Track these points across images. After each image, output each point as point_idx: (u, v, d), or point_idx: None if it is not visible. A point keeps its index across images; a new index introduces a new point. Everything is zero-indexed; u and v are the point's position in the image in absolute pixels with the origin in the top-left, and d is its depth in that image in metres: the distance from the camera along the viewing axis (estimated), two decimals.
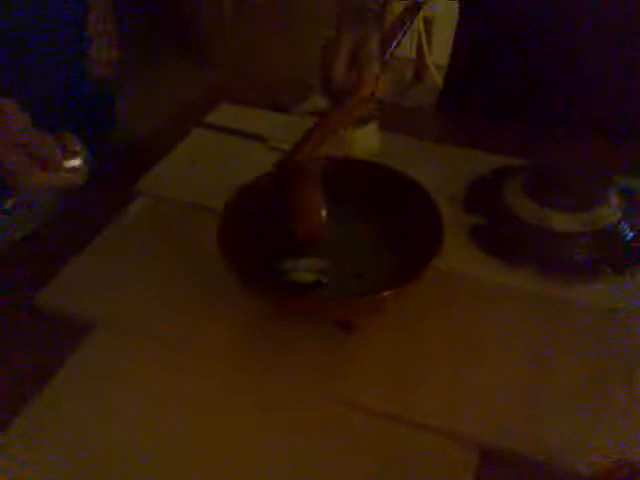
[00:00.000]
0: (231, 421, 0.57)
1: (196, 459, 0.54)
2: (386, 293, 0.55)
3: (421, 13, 2.05)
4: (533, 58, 0.88)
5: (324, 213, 0.62)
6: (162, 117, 0.98)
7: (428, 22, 2.35)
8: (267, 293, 0.60)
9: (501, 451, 0.53)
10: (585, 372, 0.59)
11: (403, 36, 0.76)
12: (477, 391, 0.58)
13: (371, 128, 0.84)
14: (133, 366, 0.62)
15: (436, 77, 2.30)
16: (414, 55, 2.45)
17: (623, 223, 0.69)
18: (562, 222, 0.68)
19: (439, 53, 2.28)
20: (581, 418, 0.56)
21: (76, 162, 0.59)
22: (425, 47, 2.40)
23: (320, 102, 0.98)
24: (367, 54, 0.64)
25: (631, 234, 0.69)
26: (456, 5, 0.99)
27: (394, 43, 0.72)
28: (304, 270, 0.62)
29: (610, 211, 0.68)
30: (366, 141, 0.84)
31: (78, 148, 0.59)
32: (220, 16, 2.35)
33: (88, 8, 0.85)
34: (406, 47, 2.41)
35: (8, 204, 0.74)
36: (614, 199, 0.70)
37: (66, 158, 0.58)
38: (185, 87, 1.17)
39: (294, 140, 0.87)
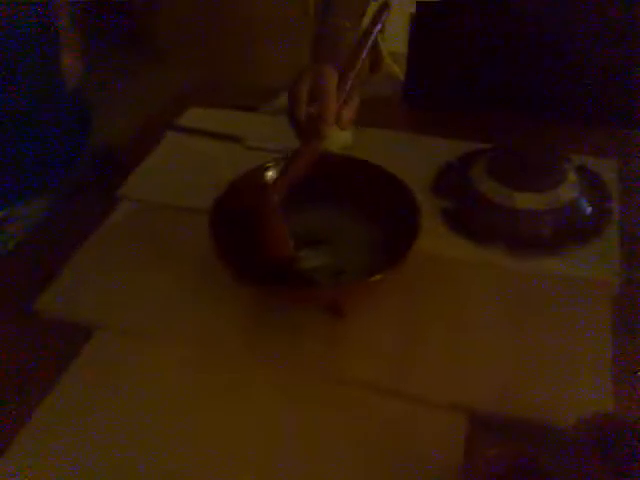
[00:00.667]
0: (237, 407, 0.60)
1: (212, 444, 0.57)
2: (373, 278, 0.59)
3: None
4: (492, 47, 0.93)
5: (291, 244, 0.65)
6: (136, 124, 1.00)
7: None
8: (261, 285, 0.64)
9: (489, 415, 0.58)
10: (557, 336, 0.65)
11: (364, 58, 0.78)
12: (462, 361, 0.63)
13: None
14: (136, 366, 0.65)
15: (393, 67, 2.31)
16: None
17: (582, 199, 0.75)
18: (526, 201, 0.73)
19: (394, 40, 2.29)
20: (559, 377, 0.61)
21: None
22: (379, 38, 2.42)
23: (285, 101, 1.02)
24: (322, 91, 0.66)
25: (589, 209, 0.75)
26: None
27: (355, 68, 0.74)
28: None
29: (569, 189, 0.74)
30: (340, 136, 0.88)
31: None
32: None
33: (56, 19, 0.86)
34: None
35: None
36: (572, 177, 0.75)
37: None
38: (155, 93, 1.19)
39: (268, 138, 0.91)
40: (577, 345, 0.64)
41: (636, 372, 0.61)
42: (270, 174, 0.73)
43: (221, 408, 0.60)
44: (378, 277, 0.60)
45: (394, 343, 0.64)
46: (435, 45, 1.00)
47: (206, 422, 0.59)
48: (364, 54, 0.71)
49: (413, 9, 1.02)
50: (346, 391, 0.61)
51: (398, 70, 2.23)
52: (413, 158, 0.86)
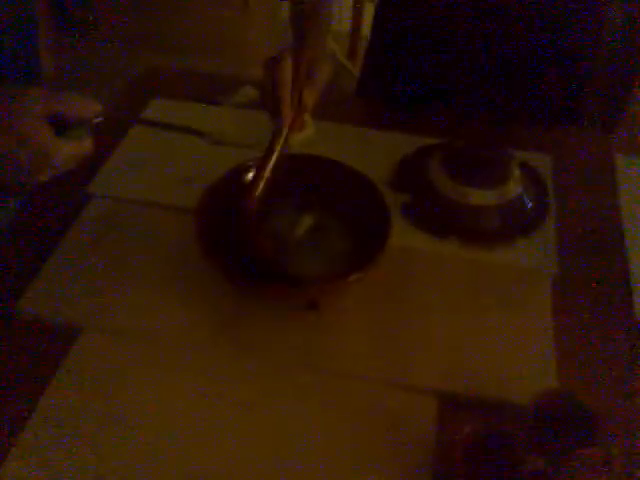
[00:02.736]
0: (226, 401, 0.65)
1: (202, 441, 0.62)
2: (350, 278, 0.66)
3: None
4: (447, 45, 0.99)
5: (270, 246, 0.71)
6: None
7: None
8: (244, 282, 0.69)
9: (456, 395, 0.66)
10: (508, 319, 0.73)
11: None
12: (428, 346, 0.70)
13: (307, 121, 0.93)
14: (121, 367, 0.68)
15: (343, 61, 2.27)
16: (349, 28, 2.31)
17: (524, 195, 0.83)
18: (478, 197, 0.81)
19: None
20: (511, 356, 0.69)
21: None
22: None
23: (250, 92, 1.05)
24: (307, 74, 0.69)
25: (530, 204, 0.84)
26: None
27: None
28: None
29: (515, 185, 0.82)
30: (302, 133, 0.92)
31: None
32: None
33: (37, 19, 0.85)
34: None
35: None
36: (517, 174, 0.84)
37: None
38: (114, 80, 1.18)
39: (232, 131, 0.95)
40: (524, 326, 0.73)
41: (574, 348, 0.71)
42: (248, 175, 0.77)
43: (209, 402, 0.65)
44: (354, 277, 0.66)
45: (362, 333, 0.71)
46: (395, 40, 1.05)
47: (195, 417, 0.63)
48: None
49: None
50: (325, 379, 0.67)
51: (349, 64, 2.24)
52: (371, 152, 0.92)
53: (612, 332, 0.74)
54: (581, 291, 0.78)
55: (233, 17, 2.53)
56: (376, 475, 0.60)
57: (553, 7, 0.95)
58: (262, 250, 0.70)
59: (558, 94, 1.03)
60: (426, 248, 0.80)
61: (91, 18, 2.34)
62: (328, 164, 0.79)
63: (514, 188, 0.82)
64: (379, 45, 1.08)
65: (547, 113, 1.03)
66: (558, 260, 0.80)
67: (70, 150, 0.58)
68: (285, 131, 0.71)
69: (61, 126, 0.58)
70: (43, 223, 0.83)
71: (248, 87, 1.03)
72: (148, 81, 1.09)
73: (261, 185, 0.70)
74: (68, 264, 0.77)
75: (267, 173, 0.70)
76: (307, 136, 0.93)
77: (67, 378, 0.66)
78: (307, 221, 0.77)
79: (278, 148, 0.70)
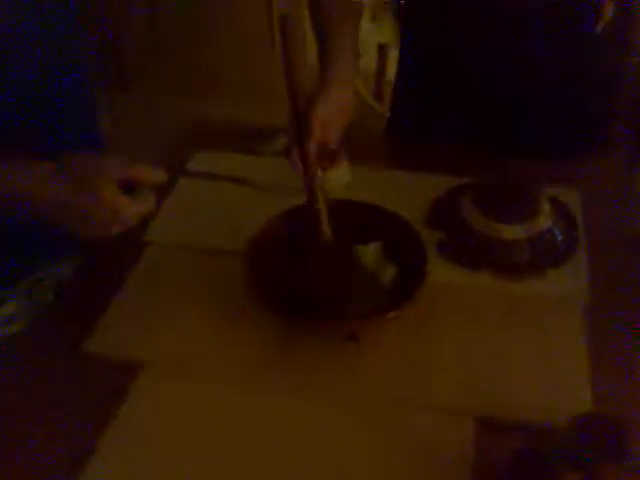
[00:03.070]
0: (271, 425, 0.70)
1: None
2: (391, 314, 0.71)
3: None
4: (473, 84, 1.05)
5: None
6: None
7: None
8: (290, 317, 0.74)
9: (493, 418, 0.70)
10: (542, 346, 0.77)
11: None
12: (466, 372, 0.74)
13: (343, 166, 0.99)
14: (180, 398, 0.73)
15: (372, 103, 2.33)
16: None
17: (554, 228, 0.88)
18: (509, 232, 0.85)
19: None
20: (546, 381, 0.73)
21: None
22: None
23: (284, 142, 1.12)
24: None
25: (560, 236, 0.88)
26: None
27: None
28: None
29: (544, 219, 0.87)
30: (339, 178, 0.98)
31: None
32: None
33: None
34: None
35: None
36: (546, 208, 0.88)
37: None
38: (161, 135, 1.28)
39: (273, 179, 1.01)
40: (558, 352, 0.77)
41: (608, 373, 0.74)
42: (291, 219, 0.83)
43: (262, 429, 0.70)
44: (393, 313, 0.71)
45: (403, 360, 0.76)
46: (422, 80, 1.11)
47: (248, 445, 0.68)
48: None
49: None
50: (367, 405, 0.71)
51: (376, 104, 2.32)
52: (404, 193, 0.97)
53: None
54: (614, 318, 0.81)
55: (262, 56, 2.61)
56: None
57: (578, 42, 1.00)
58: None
59: (585, 126, 1.07)
60: (460, 282, 0.85)
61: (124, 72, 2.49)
62: (367, 207, 0.85)
63: (544, 222, 0.86)
64: (404, 86, 1.14)
65: (575, 146, 1.07)
66: (590, 289, 0.83)
67: (137, 209, 0.66)
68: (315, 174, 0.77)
69: (131, 188, 0.66)
70: (105, 269, 0.90)
71: (282, 136, 1.11)
72: (190, 134, 1.18)
73: (325, 217, 0.78)
74: (129, 307, 0.84)
75: (323, 212, 0.78)
76: (343, 180, 0.99)
77: (130, 409, 0.72)
78: (391, 270, 0.81)
79: (317, 188, 0.78)
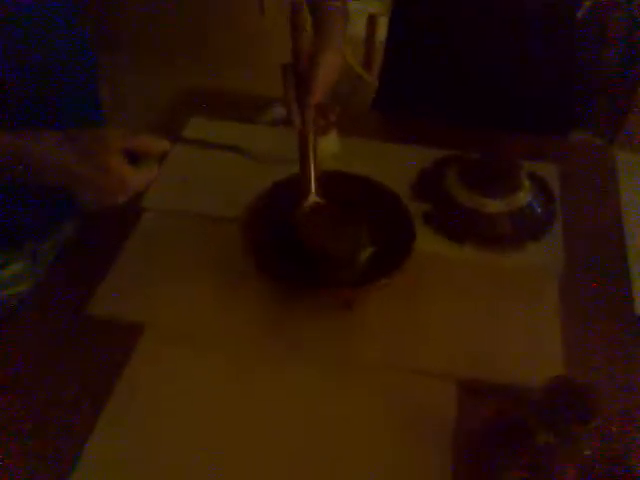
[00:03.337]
0: (271, 388, 0.75)
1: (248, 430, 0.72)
2: (382, 281, 0.75)
3: None
4: (459, 61, 1.09)
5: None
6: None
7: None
8: (286, 284, 0.79)
9: (474, 381, 0.75)
10: (520, 314, 0.83)
11: None
12: (449, 338, 0.80)
13: (332, 136, 1.02)
14: (181, 362, 0.77)
15: (362, 72, 2.35)
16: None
17: (533, 202, 0.93)
18: (492, 206, 0.90)
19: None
20: (523, 346, 0.79)
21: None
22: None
23: (280, 110, 1.15)
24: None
25: (539, 210, 0.93)
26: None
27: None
28: None
29: (524, 194, 0.92)
30: (328, 147, 1.02)
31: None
32: None
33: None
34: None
35: None
36: (526, 183, 0.93)
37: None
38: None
39: (269, 148, 1.04)
40: (535, 320, 0.82)
41: (579, 339, 0.81)
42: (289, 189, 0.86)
43: (258, 392, 0.75)
44: (384, 282, 0.76)
45: (392, 327, 0.81)
46: (411, 55, 1.14)
47: (242, 410, 0.73)
48: None
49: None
50: (357, 369, 0.77)
51: (365, 73, 2.33)
52: (390, 165, 1.01)
53: (613, 324, 0.83)
54: (586, 288, 0.87)
55: (253, 22, 2.60)
56: (402, 454, 0.70)
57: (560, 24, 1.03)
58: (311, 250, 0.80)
59: (565, 102, 1.12)
60: (446, 253, 0.90)
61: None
62: (357, 179, 0.88)
63: (524, 197, 0.91)
64: (393, 61, 1.17)
65: (555, 121, 1.12)
66: (564, 261, 0.89)
67: (142, 177, 0.69)
68: (310, 133, 0.80)
69: (135, 157, 0.69)
70: (104, 234, 0.93)
71: (278, 105, 1.13)
72: (185, 101, 1.19)
73: (313, 184, 0.81)
74: (129, 271, 0.87)
75: (312, 172, 0.81)
76: (333, 150, 1.03)
77: (133, 370, 0.77)
78: (369, 250, 0.86)
79: (310, 146, 0.80)
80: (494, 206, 0.90)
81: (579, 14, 0.95)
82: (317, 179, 0.83)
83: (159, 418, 0.73)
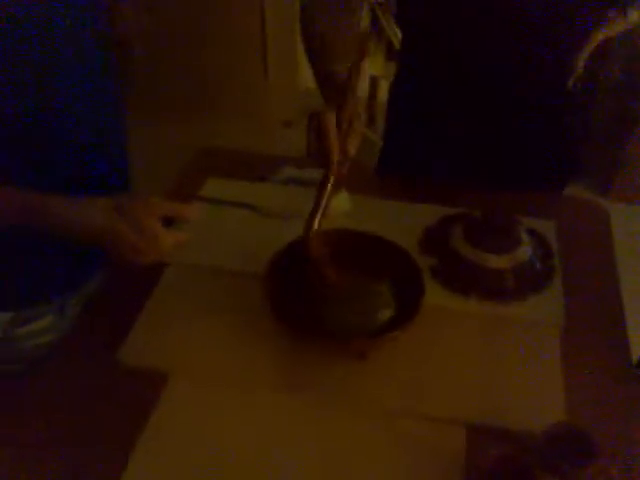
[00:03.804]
0: (288, 432, 0.80)
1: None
2: (394, 333, 0.81)
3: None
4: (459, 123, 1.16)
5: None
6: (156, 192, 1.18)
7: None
8: (304, 334, 0.84)
9: (481, 426, 0.80)
10: (523, 363, 0.88)
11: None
12: (457, 386, 0.84)
13: (343, 194, 1.09)
14: (205, 406, 0.82)
15: (369, 134, 2.45)
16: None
17: (533, 257, 0.98)
18: (494, 261, 0.96)
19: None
20: (526, 393, 0.84)
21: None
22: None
23: (290, 171, 1.22)
24: (354, 130, 0.85)
25: (538, 265, 0.99)
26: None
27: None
28: None
29: (524, 250, 0.98)
30: (340, 205, 1.08)
31: None
32: None
33: None
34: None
35: None
36: (526, 240, 0.99)
37: None
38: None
39: (281, 205, 1.11)
40: (537, 369, 0.87)
41: (580, 386, 0.85)
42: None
43: (273, 438, 0.79)
44: (396, 333, 0.81)
45: (404, 375, 0.86)
46: (413, 116, 1.22)
47: (256, 451, 0.77)
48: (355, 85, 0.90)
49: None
50: (369, 416, 0.81)
51: (369, 131, 2.43)
52: (398, 222, 1.08)
53: (612, 371, 0.88)
54: (585, 338, 0.92)
55: (255, 84, 2.72)
56: None
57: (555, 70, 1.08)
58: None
59: (559, 157, 1.18)
60: (452, 305, 0.95)
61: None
62: (368, 237, 0.95)
63: (524, 252, 0.97)
64: (397, 122, 1.24)
65: (551, 176, 1.18)
66: (565, 313, 0.94)
67: (173, 239, 0.76)
68: (332, 175, 0.86)
69: (168, 221, 0.76)
70: (128, 287, 0.99)
71: (288, 167, 1.20)
72: (201, 163, 1.27)
73: (318, 220, 0.86)
74: (155, 321, 0.92)
75: (322, 210, 0.86)
76: (344, 208, 1.09)
77: (161, 416, 0.81)
78: (388, 313, 0.91)
79: (329, 189, 0.86)
80: (496, 261, 0.96)
81: (569, 83, 1.02)
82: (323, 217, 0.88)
83: (188, 461, 0.77)
